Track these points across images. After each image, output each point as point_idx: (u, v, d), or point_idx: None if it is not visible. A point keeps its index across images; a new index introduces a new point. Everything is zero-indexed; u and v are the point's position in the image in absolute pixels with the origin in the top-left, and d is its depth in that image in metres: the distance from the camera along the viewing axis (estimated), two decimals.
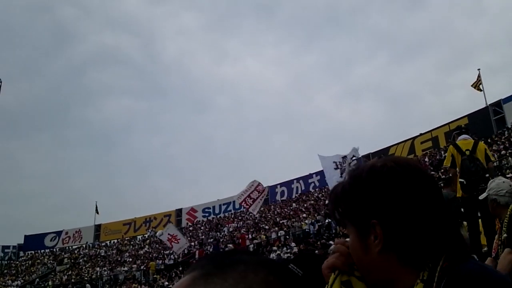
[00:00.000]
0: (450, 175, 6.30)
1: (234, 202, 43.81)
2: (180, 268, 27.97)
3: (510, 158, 19.36)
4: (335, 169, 15.31)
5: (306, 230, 24.03)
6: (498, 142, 23.28)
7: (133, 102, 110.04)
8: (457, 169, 5.64)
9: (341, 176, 15.56)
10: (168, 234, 25.72)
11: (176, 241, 25.44)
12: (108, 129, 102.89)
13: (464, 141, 5.81)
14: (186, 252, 29.07)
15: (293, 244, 22.18)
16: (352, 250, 0.97)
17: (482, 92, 30.12)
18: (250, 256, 0.58)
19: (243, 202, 20.01)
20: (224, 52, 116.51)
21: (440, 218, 0.91)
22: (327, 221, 22.71)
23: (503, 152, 21.00)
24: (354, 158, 15.68)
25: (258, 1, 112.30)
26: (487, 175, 5.02)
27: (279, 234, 25.55)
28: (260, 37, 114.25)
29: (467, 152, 5.52)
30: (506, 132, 25.54)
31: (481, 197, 3.68)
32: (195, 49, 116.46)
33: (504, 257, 3.14)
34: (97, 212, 50.61)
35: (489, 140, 24.51)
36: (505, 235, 3.25)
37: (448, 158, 5.89)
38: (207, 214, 44.71)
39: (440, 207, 0.92)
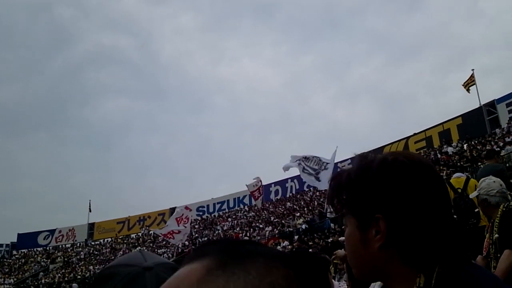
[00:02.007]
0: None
1: (228, 201, 43.84)
2: None
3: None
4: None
5: (300, 228, 24.05)
6: (492, 142, 23.39)
7: (131, 102, 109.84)
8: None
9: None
10: (172, 230, 24.98)
11: (177, 232, 24.11)
12: (105, 129, 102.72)
13: (458, 179, 6.14)
14: (180, 250, 29.00)
15: (286, 243, 22.19)
16: (349, 241, 0.93)
17: (471, 93, 30.16)
18: (264, 248, 0.51)
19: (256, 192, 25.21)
20: (222, 52, 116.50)
21: (444, 219, 0.88)
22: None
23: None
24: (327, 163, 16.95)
25: (256, 3, 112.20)
26: (476, 209, 5.28)
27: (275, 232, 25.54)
28: (257, 38, 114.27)
29: (459, 190, 5.84)
30: (499, 132, 25.64)
31: (472, 196, 3.67)
32: (193, 49, 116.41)
33: (505, 259, 3.12)
34: (90, 210, 50.49)
35: (482, 140, 24.61)
36: (496, 235, 3.24)
37: None
38: (201, 213, 44.55)
39: (445, 208, 0.90)
